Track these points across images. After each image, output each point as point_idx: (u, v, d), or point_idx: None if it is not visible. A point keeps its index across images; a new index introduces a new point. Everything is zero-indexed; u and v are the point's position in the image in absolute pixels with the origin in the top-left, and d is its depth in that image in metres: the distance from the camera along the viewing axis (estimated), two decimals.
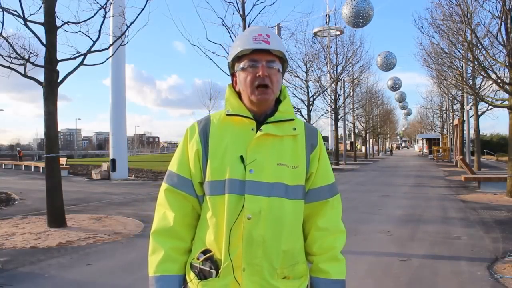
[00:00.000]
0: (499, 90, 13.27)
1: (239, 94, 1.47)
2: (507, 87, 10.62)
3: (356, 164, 32.96)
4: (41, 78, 7.51)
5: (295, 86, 22.54)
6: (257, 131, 1.40)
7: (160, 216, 1.46)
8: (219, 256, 1.37)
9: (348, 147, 51.43)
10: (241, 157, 1.37)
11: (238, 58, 1.43)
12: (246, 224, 1.33)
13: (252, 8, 12.71)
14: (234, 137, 1.41)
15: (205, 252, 1.38)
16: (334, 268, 1.46)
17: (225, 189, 1.36)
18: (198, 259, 1.38)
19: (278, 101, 1.49)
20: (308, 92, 22.46)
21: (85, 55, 7.75)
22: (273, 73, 1.40)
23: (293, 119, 1.46)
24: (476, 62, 11.50)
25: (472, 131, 22.30)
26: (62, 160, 20.56)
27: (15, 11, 7.17)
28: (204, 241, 1.41)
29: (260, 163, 1.37)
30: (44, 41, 7.34)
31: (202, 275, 1.37)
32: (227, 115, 1.43)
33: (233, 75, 1.48)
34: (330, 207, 1.50)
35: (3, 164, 27.86)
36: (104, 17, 7.89)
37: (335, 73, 27.19)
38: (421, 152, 59.60)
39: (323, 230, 1.47)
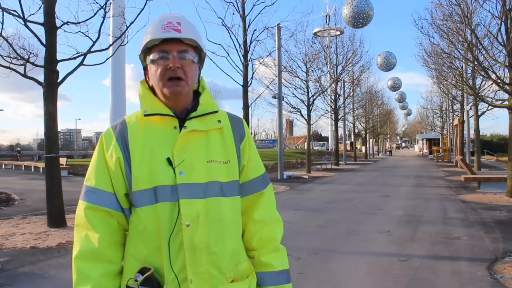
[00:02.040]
0: (499, 90, 13.28)
1: (153, 90, 1.35)
2: (507, 87, 10.62)
3: (356, 164, 32.98)
4: (41, 78, 7.51)
5: (295, 86, 22.57)
6: (180, 128, 1.29)
7: (81, 239, 1.28)
8: (160, 272, 1.24)
9: (348, 147, 51.45)
10: (168, 159, 1.26)
11: (148, 50, 1.31)
12: (185, 232, 1.22)
13: (252, 8, 12.77)
14: (156, 138, 1.29)
15: (143, 271, 1.23)
16: (277, 259, 1.39)
17: (156, 198, 1.24)
18: (136, 280, 1.22)
19: (197, 94, 1.38)
20: (308, 92, 22.46)
21: (85, 55, 7.75)
22: (186, 64, 1.28)
23: (216, 111, 1.35)
24: (476, 62, 11.51)
25: (472, 131, 22.32)
26: (62, 160, 20.53)
27: (15, 11, 7.17)
28: (137, 258, 1.27)
29: (190, 163, 1.26)
30: (44, 41, 7.34)
31: None
32: (145, 115, 1.30)
33: (145, 68, 1.36)
34: (265, 198, 1.42)
35: (3, 164, 27.81)
36: (104, 17, 7.88)
37: (335, 73, 27.19)
38: (421, 152, 59.61)
39: (260, 222, 1.40)
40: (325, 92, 25.99)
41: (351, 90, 31.77)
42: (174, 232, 1.23)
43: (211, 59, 11.84)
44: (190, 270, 1.24)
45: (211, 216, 1.27)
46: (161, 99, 1.33)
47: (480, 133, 23.54)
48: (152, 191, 1.25)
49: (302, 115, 22.85)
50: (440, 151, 36.84)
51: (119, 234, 1.33)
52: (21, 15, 7.10)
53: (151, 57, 1.30)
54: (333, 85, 27.85)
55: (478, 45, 11.53)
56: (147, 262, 1.26)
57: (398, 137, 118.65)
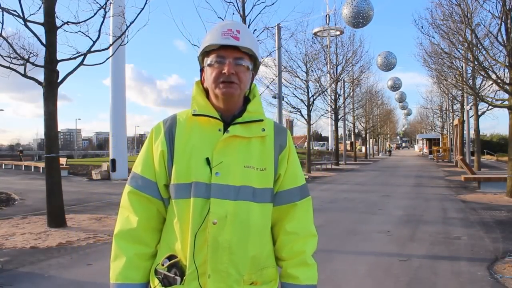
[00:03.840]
0: (499, 90, 13.28)
1: (207, 92, 1.41)
2: (507, 87, 10.62)
3: (356, 164, 32.97)
4: (41, 78, 7.51)
5: (295, 86, 22.58)
6: (224, 132, 1.34)
7: (123, 219, 1.40)
8: (184, 262, 1.32)
9: (348, 147, 51.42)
10: (207, 159, 1.32)
11: (206, 53, 1.37)
12: (211, 229, 1.28)
13: (252, 8, 12.71)
14: (200, 138, 1.35)
15: (170, 257, 1.33)
16: (304, 273, 1.40)
17: (191, 193, 1.30)
18: (163, 265, 1.33)
19: (247, 101, 1.42)
20: (308, 92, 22.47)
21: (85, 55, 7.75)
22: (241, 71, 1.34)
23: (262, 120, 1.39)
24: (476, 62, 11.51)
25: (472, 131, 22.31)
26: (62, 160, 20.54)
27: (15, 11, 7.17)
28: (170, 246, 1.35)
29: (227, 166, 1.32)
30: (44, 41, 7.34)
31: (166, 282, 1.31)
32: (193, 115, 1.37)
33: (201, 70, 1.42)
34: (299, 210, 1.43)
35: (3, 164, 27.81)
36: (104, 17, 7.88)
37: (335, 73, 27.20)
38: (421, 152, 59.59)
39: (292, 234, 1.41)
40: (325, 92, 26.02)
41: (351, 90, 31.78)
42: (201, 227, 1.29)
43: None
44: (210, 266, 1.29)
45: (239, 218, 1.31)
46: (213, 101, 1.39)
47: (480, 133, 23.54)
48: (189, 186, 1.32)
49: (302, 115, 22.88)
50: (440, 151, 36.83)
51: (157, 220, 1.41)
52: (21, 15, 7.10)
53: (208, 60, 1.36)
54: (333, 85, 27.87)
55: (478, 45, 11.54)
56: (176, 251, 1.34)
57: (398, 137, 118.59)
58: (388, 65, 41.47)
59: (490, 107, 18.37)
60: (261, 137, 1.39)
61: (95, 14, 7.84)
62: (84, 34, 7.90)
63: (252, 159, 1.36)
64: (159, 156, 1.37)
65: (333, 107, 28.49)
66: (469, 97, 20.62)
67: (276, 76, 18.46)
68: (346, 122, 36.65)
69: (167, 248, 1.36)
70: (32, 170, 24.23)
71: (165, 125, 1.41)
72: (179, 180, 1.33)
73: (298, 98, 22.71)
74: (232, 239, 1.30)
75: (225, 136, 1.33)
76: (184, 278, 1.30)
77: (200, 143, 1.35)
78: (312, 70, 22.84)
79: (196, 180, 1.31)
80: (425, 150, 50.71)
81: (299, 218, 1.43)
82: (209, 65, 1.35)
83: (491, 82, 13.59)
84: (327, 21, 35.64)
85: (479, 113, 21.52)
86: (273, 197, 1.40)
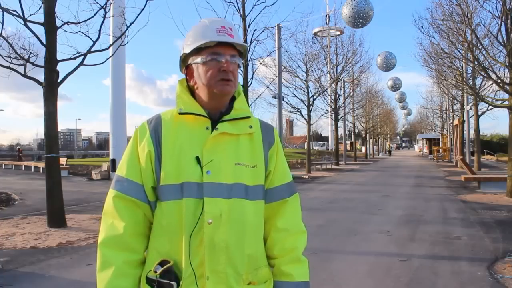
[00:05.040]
0: (499, 90, 13.28)
1: (191, 91, 1.39)
2: (507, 87, 10.62)
3: (356, 164, 32.98)
4: (41, 78, 7.51)
5: (295, 86, 22.58)
6: (212, 130, 1.32)
7: (107, 226, 1.32)
8: (179, 266, 1.27)
9: (348, 147, 51.42)
10: (197, 158, 1.29)
11: (196, 50, 1.34)
12: (206, 229, 1.25)
13: (252, 8, 12.76)
14: (188, 137, 1.32)
15: (162, 263, 1.27)
16: (297, 270, 1.38)
17: (182, 193, 1.27)
18: (155, 272, 1.26)
19: (233, 99, 1.42)
20: (308, 92, 22.47)
21: (85, 55, 7.75)
22: (235, 68, 1.34)
23: (249, 117, 1.39)
24: (476, 62, 11.51)
25: (472, 131, 22.32)
26: (62, 160, 20.52)
27: (15, 11, 7.17)
28: (159, 251, 1.30)
29: (218, 164, 1.29)
30: (44, 41, 7.34)
31: None
32: (180, 113, 1.34)
33: (187, 68, 1.38)
34: (289, 206, 1.43)
35: (3, 164, 27.79)
36: (104, 17, 7.88)
37: (335, 73, 27.20)
38: (421, 152, 59.59)
39: (283, 231, 1.40)
40: (325, 92, 26.01)
41: (351, 90, 31.78)
42: (196, 228, 1.26)
43: None
44: (208, 267, 1.26)
45: (234, 217, 1.29)
46: (202, 98, 1.36)
47: (480, 133, 23.55)
48: (179, 187, 1.28)
49: (302, 115, 22.88)
50: (440, 151, 36.84)
51: (144, 225, 1.35)
52: (21, 15, 7.10)
53: (201, 58, 1.33)
54: (333, 85, 27.87)
55: (478, 45, 11.54)
56: (168, 255, 1.29)
57: (398, 137, 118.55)
58: (388, 66, 41.44)
59: (490, 107, 18.38)
60: (249, 134, 1.38)
61: (95, 14, 7.84)
62: (84, 34, 7.90)
63: (243, 156, 1.34)
64: (145, 157, 1.32)
65: (333, 107, 28.49)
66: (469, 97, 20.63)
67: (276, 76, 18.47)
68: (346, 122, 36.66)
69: (157, 254, 1.30)
70: (32, 170, 24.21)
71: (150, 125, 1.36)
72: (168, 181, 1.29)
73: (298, 98, 22.74)
74: (228, 238, 1.28)
75: (214, 134, 1.31)
76: (180, 282, 1.26)
77: (188, 142, 1.32)
78: (312, 70, 22.87)
79: (187, 180, 1.28)
80: (425, 150, 50.70)
81: (289, 214, 1.43)
82: (204, 62, 1.32)
83: (491, 82, 13.60)
84: (327, 21, 35.60)
85: (479, 113, 21.53)
86: (264, 194, 1.39)
